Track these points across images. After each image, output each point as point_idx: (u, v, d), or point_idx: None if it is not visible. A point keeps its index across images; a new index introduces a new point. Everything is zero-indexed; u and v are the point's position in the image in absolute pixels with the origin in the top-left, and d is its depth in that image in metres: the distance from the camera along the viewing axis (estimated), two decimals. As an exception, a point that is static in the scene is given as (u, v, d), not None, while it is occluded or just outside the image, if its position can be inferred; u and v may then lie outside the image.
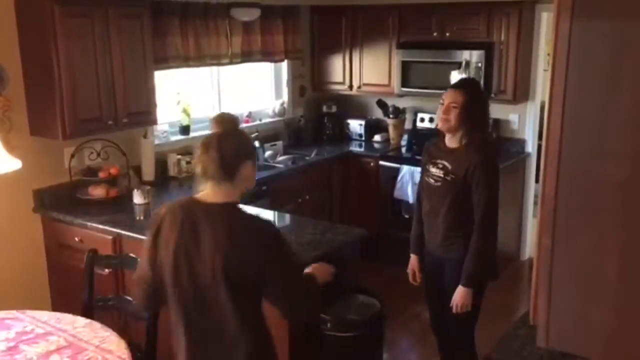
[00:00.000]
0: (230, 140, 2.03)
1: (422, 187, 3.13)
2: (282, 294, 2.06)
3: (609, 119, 1.18)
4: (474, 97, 2.88)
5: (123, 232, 3.39)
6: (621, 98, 1.16)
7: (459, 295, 2.89)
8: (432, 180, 3.00)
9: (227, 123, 2.08)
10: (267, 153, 5.12)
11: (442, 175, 2.94)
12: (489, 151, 2.92)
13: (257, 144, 4.99)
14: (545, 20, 4.84)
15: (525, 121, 5.11)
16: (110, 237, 3.44)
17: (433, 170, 2.98)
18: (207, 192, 2.04)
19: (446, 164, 2.92)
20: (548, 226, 1.26)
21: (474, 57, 4.81)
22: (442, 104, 2.92)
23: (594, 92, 1.19)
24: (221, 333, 2.04)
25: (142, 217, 3.67)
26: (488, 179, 2.84)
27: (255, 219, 2.08)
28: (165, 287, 2.06)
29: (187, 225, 2.00)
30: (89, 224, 3.52)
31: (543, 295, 1.29)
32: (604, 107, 1.18)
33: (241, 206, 2.08)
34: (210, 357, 2.09)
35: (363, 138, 5.74)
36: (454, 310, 2.92)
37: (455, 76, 4.92)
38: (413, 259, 3.25)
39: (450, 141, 2.95)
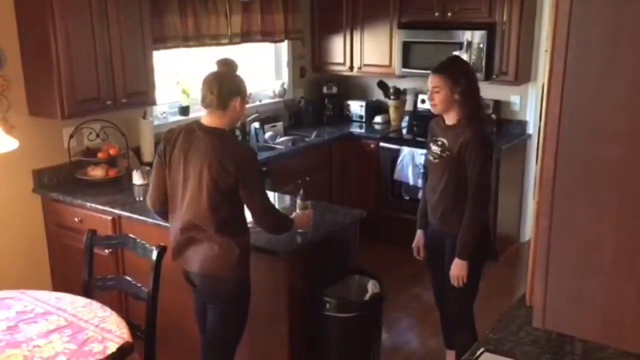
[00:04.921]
0: (227, 78, 2.63)
1: (427, 164, 3.20)
2: (248, 204, 2.62)
3: (606, 98, 1.17)
4: (455, 78, 2.91)
5: (122, 212, 3.39)
6: (618, 78, 1.15)
7: (454, 267, 2.97)
8: (431, 157, 3.08)
9: (227, 65, 2.69)
10: (267, 134, 5.09)
11: (439, 152, 3.01)
12: (479, 126, 2.97)
13: (257, 125, 4.98)
14: (548, 1, 4.79)
15: (527, 103, 5.08)
16: (109, 218, 3.45)
17: (434, 147, 3.05)
18: (204, 117, 2.63)
19: (445, 141, 2.99)
20: (546, 207, 1.26)
21: (475, 37, 4.77)
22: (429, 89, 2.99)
23: (593, 72, 1.18)
24: (203, 232, 2.59)
25: (141, 198, 3.67)
26: (480, 153, 2.89)
27: (238, 143, 2.68)
28: (173, 191, 2.66)
29: (187, 143, 2.59)
30: (88, 204, 3.52)
31: (540, 276, 1.29)
32: (602, 87, 1.17)
33: (228, 132, 2.66)
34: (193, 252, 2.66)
35: (363, 119, 5.72)
36: (451, 282, 2.99)
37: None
38: (419, 233, 3.31)
39: (448, 119, 3.02)
